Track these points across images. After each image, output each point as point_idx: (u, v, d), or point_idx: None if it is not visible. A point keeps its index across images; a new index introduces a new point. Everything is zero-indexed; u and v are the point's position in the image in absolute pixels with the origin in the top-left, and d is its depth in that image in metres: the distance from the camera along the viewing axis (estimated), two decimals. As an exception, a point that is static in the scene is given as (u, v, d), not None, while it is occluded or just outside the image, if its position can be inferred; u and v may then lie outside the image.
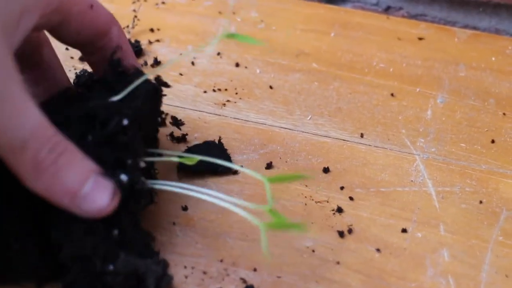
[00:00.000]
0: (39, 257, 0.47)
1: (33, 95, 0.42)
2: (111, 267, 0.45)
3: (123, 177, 0.45)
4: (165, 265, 0.49)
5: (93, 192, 0.42)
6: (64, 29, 0.49)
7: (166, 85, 0.54)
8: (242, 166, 0.58)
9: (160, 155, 0.53)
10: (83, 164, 0.43)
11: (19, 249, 0.46)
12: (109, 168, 0.45)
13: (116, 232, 0.46)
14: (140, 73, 0.51)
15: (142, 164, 0.48)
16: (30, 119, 0.40)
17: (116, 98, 0.48)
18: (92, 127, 0.45)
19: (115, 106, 0.47)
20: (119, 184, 0.45)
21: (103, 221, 0.45)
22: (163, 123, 0.56)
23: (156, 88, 0.53)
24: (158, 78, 0.54)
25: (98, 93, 0.50)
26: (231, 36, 0.49)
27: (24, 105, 0.40)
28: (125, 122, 0.46)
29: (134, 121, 0.47)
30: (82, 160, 0.43)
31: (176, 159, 0.52)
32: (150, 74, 0.51)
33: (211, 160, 0.51)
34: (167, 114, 0.61)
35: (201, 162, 0.51)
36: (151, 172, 0.52)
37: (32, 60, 0.52)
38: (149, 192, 0.49)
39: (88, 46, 0.52)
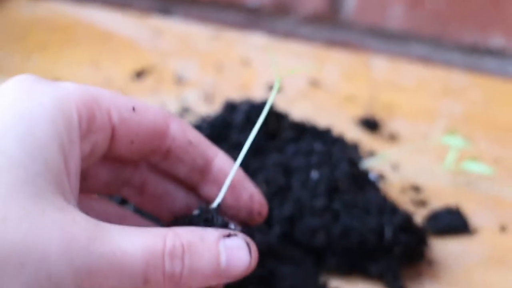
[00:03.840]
0: None
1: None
2: None
3: None
4: None
5: (230, 259, 0.38)
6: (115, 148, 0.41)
7: None
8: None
9: None
10: (207, 242, 0.38)
11: None
12: None
13: None
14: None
15: None
16: (136, 246, 0.36)
17: None
18: None
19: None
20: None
21: None
22: None
23: None
24: None
25: None
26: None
27: (122, 238, 0.36)
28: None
29: None
30: (203, 240, 0.38)
31: None
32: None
33: None
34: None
35: None
36: None
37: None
38: None
39: (146, 155, 0.42)
